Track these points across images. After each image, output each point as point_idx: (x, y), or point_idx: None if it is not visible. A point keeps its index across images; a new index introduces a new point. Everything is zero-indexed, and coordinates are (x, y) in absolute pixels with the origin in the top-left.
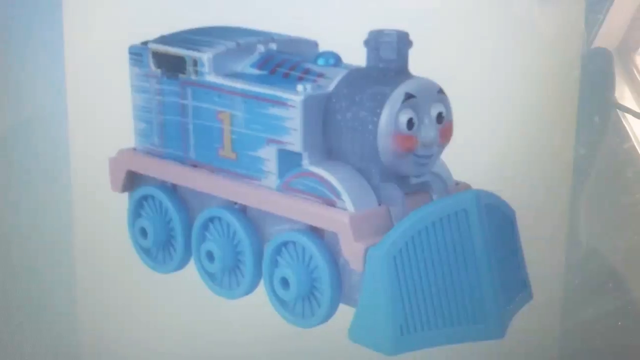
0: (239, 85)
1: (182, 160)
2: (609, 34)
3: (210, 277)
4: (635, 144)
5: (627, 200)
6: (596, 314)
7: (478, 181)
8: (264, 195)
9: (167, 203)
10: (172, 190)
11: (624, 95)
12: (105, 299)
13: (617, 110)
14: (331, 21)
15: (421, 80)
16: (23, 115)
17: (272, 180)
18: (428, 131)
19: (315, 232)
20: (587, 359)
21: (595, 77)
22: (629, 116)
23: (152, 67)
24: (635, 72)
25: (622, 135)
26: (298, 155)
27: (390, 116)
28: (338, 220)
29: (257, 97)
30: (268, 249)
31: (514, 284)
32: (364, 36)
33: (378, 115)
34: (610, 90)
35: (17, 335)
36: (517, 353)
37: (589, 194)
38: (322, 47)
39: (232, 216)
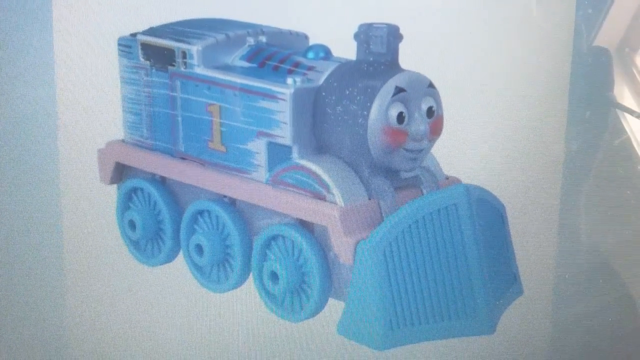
0: (228, 77)
1: (171, 153)
2: (609, 33)
3: (199, 270)
4: (631, 139)
5: (619, 195)
6: (587, 309)
7: (468, 175)
8: (253, 188)
9: (156, 196)
10: (161, 182)
11: (623, 94)
12: (93, 291)
13: (612, 107)
14: (321, 14)
15: (411, 74)
16: (11, 105)
17: (262, 173)
18: (418, 125)
19: (305, 226)
20: (578, 353)
21: (591, 74)
22: (624, 113)
23: (141, 59)
24: (635, 71)
25: (615, 130)
26: (288, 149)
27: (380, 110)
28: (328, 214)
29: (247, 90)
30: (257, 243)
31: (504, 278)
32: (354, 29)
33: (368, 109)
34: (607, 87)
35: (3, 328)
36: (507, 348)
37: (581, 188)
38: (312, 41)
39: (221, 209)
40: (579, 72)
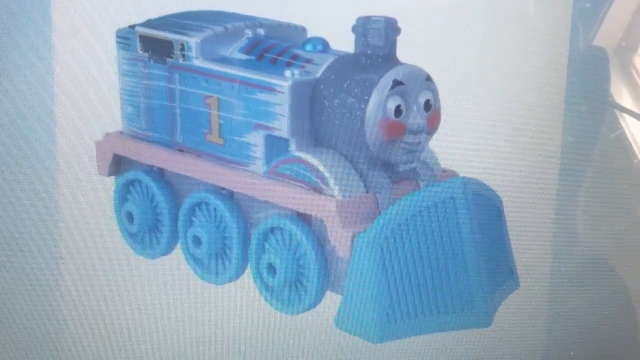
0: (226, 70)
1: (169, 145)
2: (607, 32)
3: (196, 262)
4: (627, 132)
5: (614, 188)
6: (583, 303)
7: (465, 169)
8: (251, 180)
9: (154, 187)
10: (159, 174)
11: (620, 93)
12: (91, 283)
13: (609, 106)
14: (319, 6)
15: (409, 67)
16: (8, 98)
17: (260, 166)
18: (416, 118)
19: (303, 219)
20: (574, 346)
21: (588, 70)
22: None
23: (140, 50)
24: (633, 71)
25: (612, 124)
26: (285, 141)
27: (378, 103)
28: (325, 207)
29: (245, 82)
30: (255, 235)
31: (501, 271)
32: (352, 22)
33: (366, 102)
34: (604, 83)
35: (1, 320)
36: (503, 341)
37: (577, 182)
38: (310, 33)
39: (219, 201)
40: (576, 67)
